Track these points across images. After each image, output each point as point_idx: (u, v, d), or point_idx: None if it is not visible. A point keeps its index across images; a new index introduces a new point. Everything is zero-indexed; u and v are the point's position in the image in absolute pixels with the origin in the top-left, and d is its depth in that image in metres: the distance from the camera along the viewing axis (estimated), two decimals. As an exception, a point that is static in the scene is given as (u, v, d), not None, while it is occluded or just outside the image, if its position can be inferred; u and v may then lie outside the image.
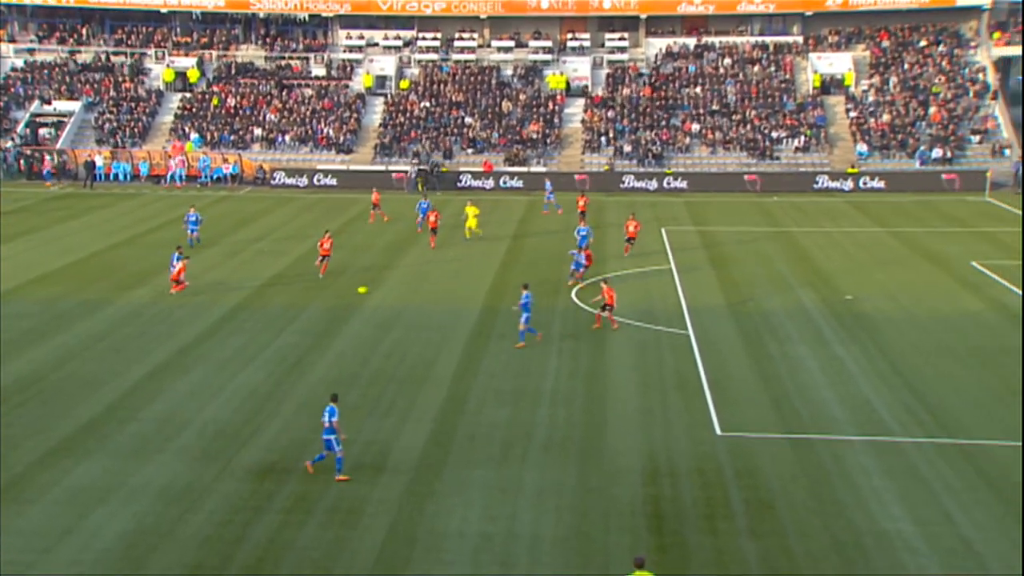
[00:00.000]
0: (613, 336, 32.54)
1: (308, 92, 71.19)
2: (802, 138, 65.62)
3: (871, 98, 68.35)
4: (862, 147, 64.77)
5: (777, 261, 43.18)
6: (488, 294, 37.74)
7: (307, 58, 73.62)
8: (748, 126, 66.79)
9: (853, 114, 67.43)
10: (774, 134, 66.03)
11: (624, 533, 19.82)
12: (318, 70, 72.79)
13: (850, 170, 62.89)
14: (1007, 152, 63.88)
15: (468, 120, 68.72)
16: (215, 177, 64.95)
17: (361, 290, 31.44)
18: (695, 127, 67.18)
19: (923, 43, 71.47)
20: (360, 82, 71.83)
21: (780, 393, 27.24)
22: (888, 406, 26.13)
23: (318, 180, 63.80)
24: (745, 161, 64.87)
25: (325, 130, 68.28)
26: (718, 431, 24.62)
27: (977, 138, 65.13)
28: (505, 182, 63.70)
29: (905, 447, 23.55)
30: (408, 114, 69.37)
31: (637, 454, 23.27)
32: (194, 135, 67.98)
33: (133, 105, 70.56)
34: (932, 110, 66.46)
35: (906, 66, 70.05)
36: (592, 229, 44.08)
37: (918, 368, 29.05)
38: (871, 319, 34.03)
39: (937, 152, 63.53)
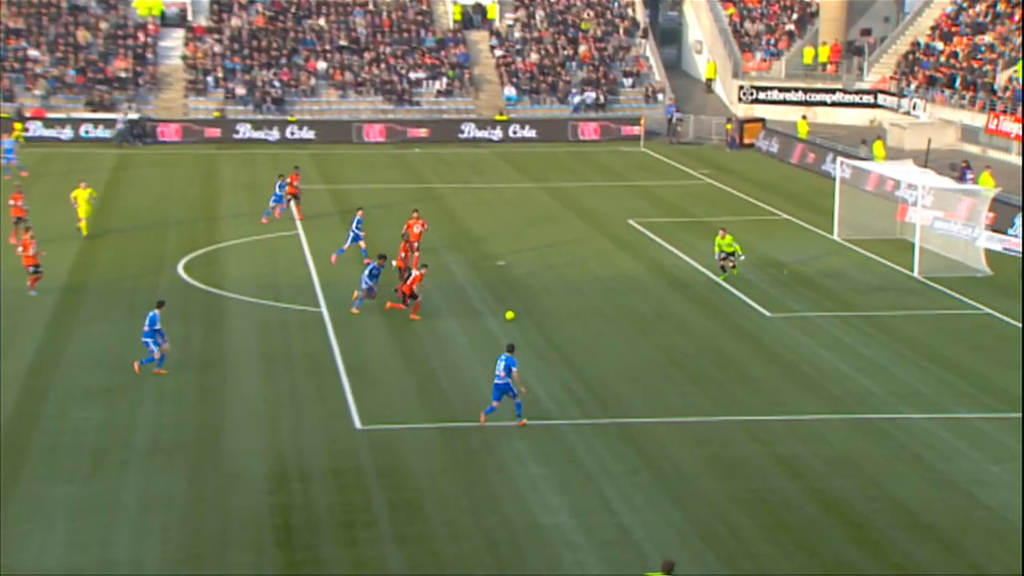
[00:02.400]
0: (231, 317, 32.03)
1: None
2: (444, 80, 67.26)
3: (517, 34, 71.13)
4: (510, 91, 67.38)
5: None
6: (72, 272, 36.03)
7: None
8: (383, 65, 67.57)
9: (499, 52, 69.93)
10: (413, 75, 67.24)
11: (246, 550, 19.60)
12: None
13: (498, 117, 65.25)
14: (661, 97, 68.74)
15: (33, 53, 64.74)
16: None
17: (509, 315, 29.66)
18: (321, 66, 67.06)
19: (570, -27, 75.25)
20: None
21: (428, 376, 27.90)
22: (545, 384, 27.44)
23: None
24: (381, 107, 65.63)
25: None
26: (357, 424, 24.87)
27: (630, 81, 69.59)
28: (87, 132, 60.74)
29: (562, 429, 24.85)
30: (-47, 43, 64.37)
31: (261, 456, 23.07)
32: None
33: None
34: (582, 48, 70.20)
35: (553, -1, 73.47)
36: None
37: (576, 340, 30.71)
38: (525, 286, 35.53)
39: (590, 96, 67.26)
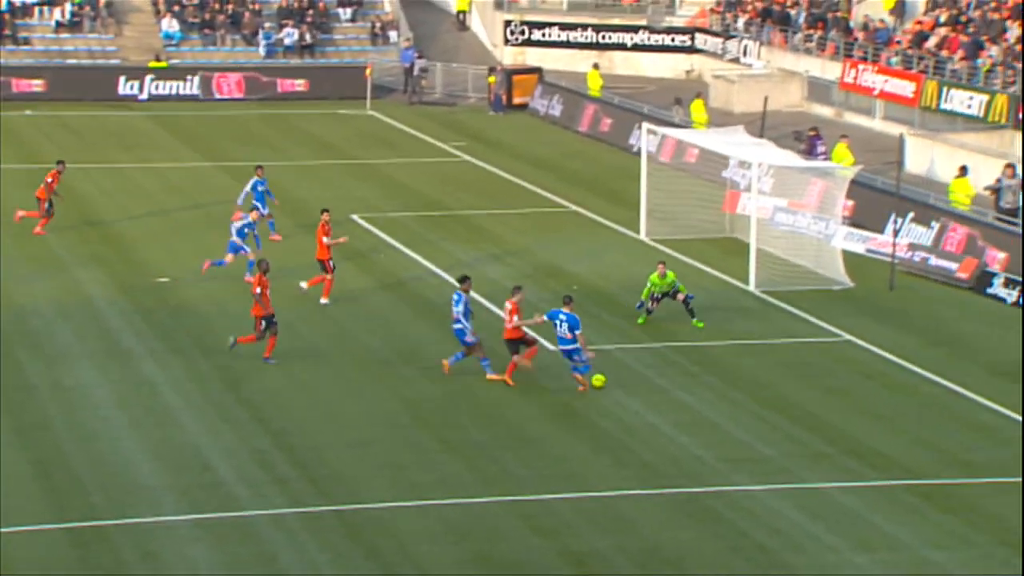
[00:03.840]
0: None
1: None
2: (68, 6, 65.88)
3: (183, -57, 70.36)
4: (171, 24, 66.45)
5: (31, 222, 42.99)
6: None
7: None
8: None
9: (155, -32, 69.04)
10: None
11: None
12: None
13: (154, 64, 64.23)
14: (394, 36, 68.94)
15: None
16: None
17: (597, 381, 30.73)
18: None
19: None
20: None
21: (51, 452, 27.24)
22: (231, 458, 27.09)
23: None
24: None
25: None
26: (-60, 529, 24.02)
27: (347, 12, 69.58)
28: None
29: (257, 522, 24.53)
30: None
31: None
32: None
33: None
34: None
35: None
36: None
37: (276, 392, 30.48)
38: (198, 313, 35.10)
39: (290, 34, 66.91)
